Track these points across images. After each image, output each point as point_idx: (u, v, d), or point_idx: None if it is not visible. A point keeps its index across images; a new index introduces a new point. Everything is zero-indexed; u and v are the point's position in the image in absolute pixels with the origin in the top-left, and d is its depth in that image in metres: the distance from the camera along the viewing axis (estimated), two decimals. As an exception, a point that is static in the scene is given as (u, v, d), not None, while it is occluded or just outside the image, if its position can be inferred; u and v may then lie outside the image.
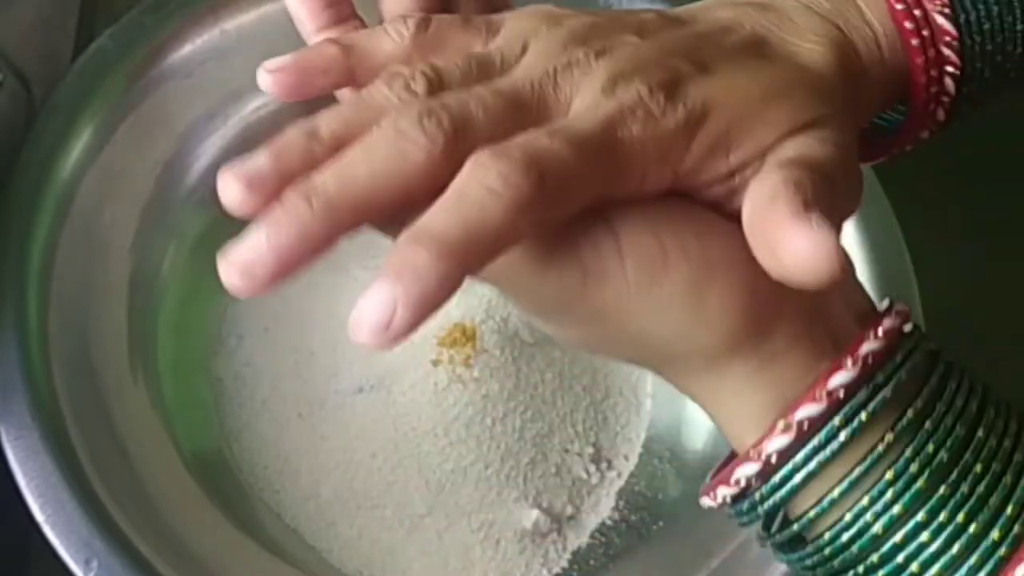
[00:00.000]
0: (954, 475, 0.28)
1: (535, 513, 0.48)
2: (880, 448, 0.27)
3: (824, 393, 0.27)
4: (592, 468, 0.50)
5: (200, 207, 0.51)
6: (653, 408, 0.52)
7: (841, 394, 0.27)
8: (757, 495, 0.29)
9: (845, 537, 0.28)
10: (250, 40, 0.50)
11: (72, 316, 0.44)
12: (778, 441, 0.28)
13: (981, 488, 0.28)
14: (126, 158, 0.48)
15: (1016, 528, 0.27)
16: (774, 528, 0.30)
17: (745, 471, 0.28)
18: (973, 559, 0.27)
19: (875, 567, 0.28)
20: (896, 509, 0.27)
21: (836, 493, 0.28)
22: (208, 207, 0.51)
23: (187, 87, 0.49)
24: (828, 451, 0.27)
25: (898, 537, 0.28)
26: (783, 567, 0.43)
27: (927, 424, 0.28)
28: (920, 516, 0.27)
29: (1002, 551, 0.27)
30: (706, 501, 0.31)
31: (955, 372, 0.29)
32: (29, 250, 0.43)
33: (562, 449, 0.50)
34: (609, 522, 0.50)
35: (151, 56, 0.48)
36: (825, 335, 0.28)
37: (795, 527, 0.29)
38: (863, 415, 0.27)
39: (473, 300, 0.50)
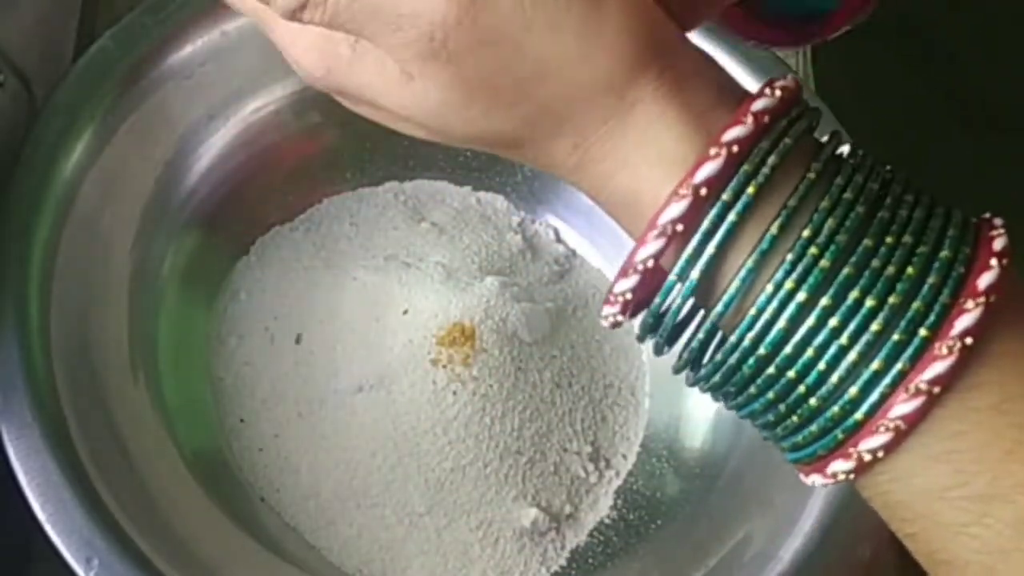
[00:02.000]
0: (857, 256, 0.26)
1: (534, 512, 0.48)
2: (779, 221, 0.26)
3: (722, 147, 0.26)
4: (590, 467, 0.50)
5: (201, 207, 0.51)
6: (651, 407, 0.52)
7: (736, 148, 0.26)
8: (672, 279, 0.27)
9: (747, 340, 0.26)
10: (250, 41, 0.50)
11: (73, 316, 0.45)
12: (679, 206, 0.26)
13: (889, 269, 0.26)
14: (127, 158, 0.48)
15: (922, 331, 0.25)
16: (685, 336, 0.28)
17: (648, 250, 0.26)
18: (875, 364, 0.25)
19: (785, 365, 0.26)
20: (800, 296, 0.26)
21: (744, 270, 0.26)
22: (209, 207, 0.51)
23: (187, 88, 0.49)
24: (740, 205, 0.26)
25: (804, 328, 0.26)
26: (780, 568, 0.43)
27: (824, 201, 0.26)
28: (824, 301, 0.25)
29: (903, 359, 0.25)
30: (609, 310, 0.28)
31: (855, 151, 0.27)
32: (30, 250, 0.43)
33: (560, 448, 0.50)
34: (607, 521, 0.50)
35: (152, 57, 0.48)
36: (711, 89, 0.27)
37: (700, 335, 0.27)
38: (768, 166, 0.26)
39: (472, 300, 0.50)
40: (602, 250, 0.56)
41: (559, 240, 0.56)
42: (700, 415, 0.51)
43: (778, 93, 0.27)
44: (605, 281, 0.55)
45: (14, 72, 0.47)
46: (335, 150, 0.55)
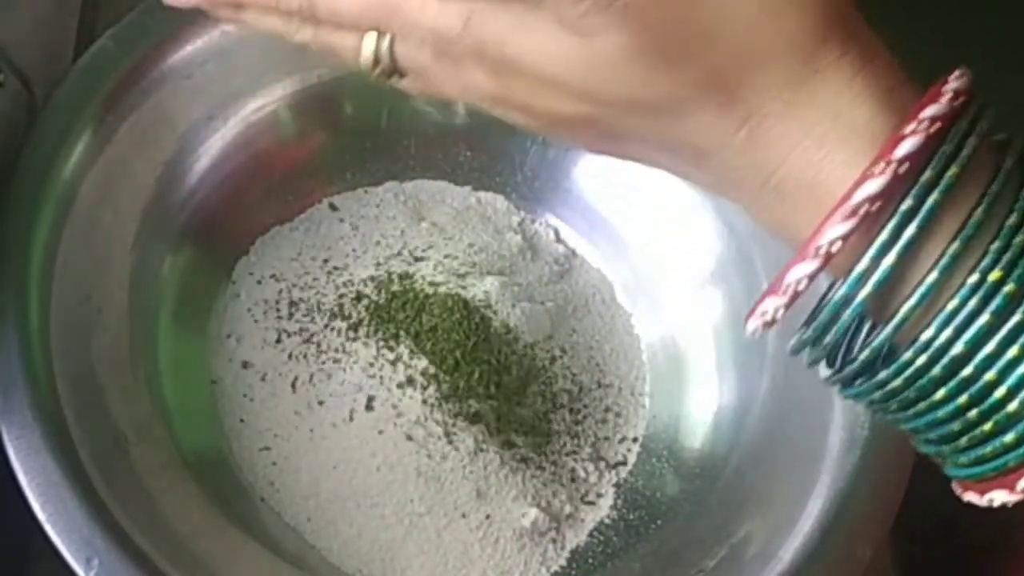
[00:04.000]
0: None
1: (534, 512, 0.48)
2: (983, 206, 0.24)
3: (921, 123, 0.24)
4: (590, 467, 0.50)
5: (201, 207, 0.51)
6: (651, 407, 0.52)
7: (936, 127, 0.24)
8: (864, 265, 0.24)
9: (942, 337, 0.24)
10: (250, 41, 0.50)
11: (73, 316, 0.45)
12: (876, 183, 0.23)
13: None
14: (127, 158, 0.48)
15: None
16: (858, 343, 0.26)
17: (836, 231, 0.24)
18: None
19: (984, 366, 0.24)
20: (1008, 287, 0.23)
21: (948, 257, 0.23)
22: (209, 207, 0.52)
23: (188, 88, 0.49)
24: (944, 184, 0.23)
25: (1011, 324, 0.24)
26: (780, 568, 0.43)
27: (1018, 203, 0.24)
28: (1019, 316, 0.23)
29: None
30: (775, 302, 0.25)
31: None
32: (30, 250, 0.43)
33: (560, 448, 0.50)
34: (607, 521, 0.50)
35: (152, 57, 0.48)
36: (895, 67, 0.25)
37: (888, 329, 0.24)
38: (968, 147, 0.24)
39: (474, 299, 0.50)
40: (602, 250, 0.56)
41: (559, 240, 0.56)
42: (700, 415, 0.51)
43: (964, 80, 0.25)
44: (605, 281, 0.55)
45: (14, 72, 0.47)
46: (335, 150, 0.55)
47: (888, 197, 0.24)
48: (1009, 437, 0.24)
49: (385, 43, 0.27)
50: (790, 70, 0.24)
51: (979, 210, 0.24)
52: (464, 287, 0.51)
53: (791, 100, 0.24)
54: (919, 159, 0.24)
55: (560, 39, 0.24)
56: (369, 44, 0.27)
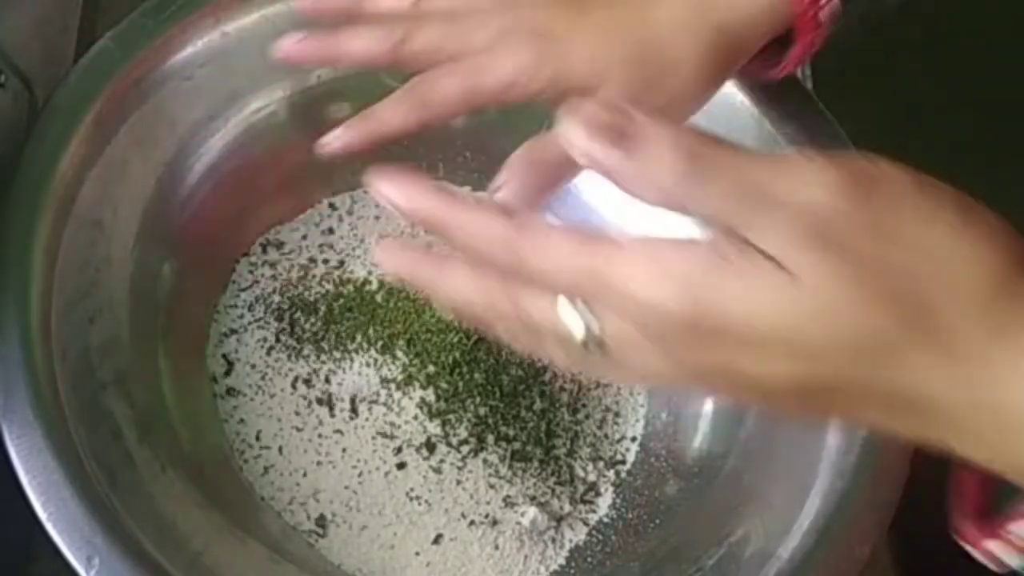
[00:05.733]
0: None
1: (533, 511, 0.48)
2: None
3: None
4: (590, 467, 0.50)
5: (201, 208, 0.51)
6: (650, 407, 0.52)
7: None
8: None
9: None
10: (250, 42, 0.50)
11: (73, 316, 0.45)
12: None
13: None
14: (127, 158, 0.48)
15: None
16: None
17: None
18: None
19: None
20: None
21: None
22: (209, 207, 0.52)
23: (188, 89, 0.49)
24: None
25: None
26: (778, 565, 0.43)
27: None
28: None
29: None
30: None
31: None
32: (31, 250, 0.43)
33: (560, 447, 0.50)
34: (606, 520, 0.50)
35: (152, 58, 0.48)
36: None
37: None
38: None
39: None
40: (601, 250, 0.56)
41: (558, 240, 0.56)
42: (699, 415, 0.51)
43: None
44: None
45: (15, 73, 0.47)
46: (335, 150, 0.55)
47: None
48: None
49: (591, 316, 0.26)
50: (988, 299, 0.24)
51: None
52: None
53: (995, 329, 0.24)
54: None
55: (778, 286, 0.24)
56: (572, 313, 0.26)
